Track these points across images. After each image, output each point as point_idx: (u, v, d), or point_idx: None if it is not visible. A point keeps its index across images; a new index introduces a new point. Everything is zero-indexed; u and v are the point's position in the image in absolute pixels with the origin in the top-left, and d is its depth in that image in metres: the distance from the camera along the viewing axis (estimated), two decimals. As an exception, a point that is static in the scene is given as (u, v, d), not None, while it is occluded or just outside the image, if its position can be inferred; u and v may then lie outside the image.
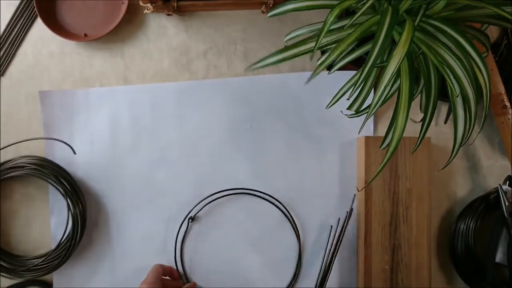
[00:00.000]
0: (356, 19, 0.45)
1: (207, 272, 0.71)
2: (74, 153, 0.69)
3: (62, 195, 0.67)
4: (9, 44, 0.72)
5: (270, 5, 0.67)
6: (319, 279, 0.67)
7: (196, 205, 0.70)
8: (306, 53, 0.52)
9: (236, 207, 0.71)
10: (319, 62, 0.49)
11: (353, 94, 0.52)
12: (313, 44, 0.52)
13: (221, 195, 0.70)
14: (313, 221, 0.71)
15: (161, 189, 0.71)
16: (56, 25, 0.70)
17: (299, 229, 0.71)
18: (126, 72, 0.73)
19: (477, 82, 0.49)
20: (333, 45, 0.50)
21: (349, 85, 0.58)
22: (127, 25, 0.72)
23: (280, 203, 0.71)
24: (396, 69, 0.44)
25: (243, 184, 0.71)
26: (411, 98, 0.49)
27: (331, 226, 0.69)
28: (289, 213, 0.70)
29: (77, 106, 0.71)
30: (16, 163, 0.68)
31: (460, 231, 0.69)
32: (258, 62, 0.53)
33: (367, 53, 0.46)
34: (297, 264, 0.70)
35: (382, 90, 0.46)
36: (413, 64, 0.51)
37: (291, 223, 0.70)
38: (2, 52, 0.72)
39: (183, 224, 0.70)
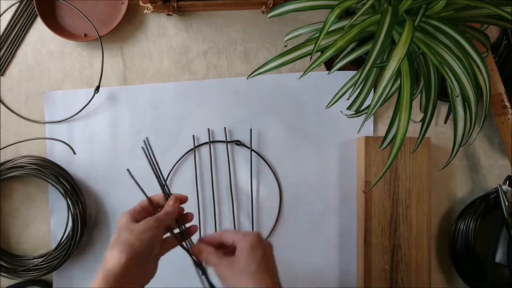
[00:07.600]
0: (356, 19, 0.45)
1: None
2: (74, 153, 0.69)
3: (62, 195, 0.67)
4: (9, 44, 0.72)
5: (270, 5, 0.66)
6: None
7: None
8: (306, 55, 0.52)
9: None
10: (314, 59, 0.48)
11: (353, 94, 0.52)
12: (312, 46, 0.52)
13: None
14: (312, 221, 0.71)
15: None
16: (56, 25, 0.70)
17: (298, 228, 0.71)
18: (126, 72, 0.73)
19: (477, 82, 0.49)
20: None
21: (349, 85, 0.58)
22: (127, 25, 0.72)
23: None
24: (396, 69, 0.44)
25: (243, 184, 0.71)
26: (412, 98, 0.49)
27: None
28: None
29: (77, 106, 0.71)
30: (16, 163, 0.68)
31: (460, 231, 0.69)
32: (258, 69, 0.53)
33: (367, 53, 0.45)
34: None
35: (382, 90, 0.46)
36: (413, 64, 0.51)
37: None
38: (2, 52, 0.72)
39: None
